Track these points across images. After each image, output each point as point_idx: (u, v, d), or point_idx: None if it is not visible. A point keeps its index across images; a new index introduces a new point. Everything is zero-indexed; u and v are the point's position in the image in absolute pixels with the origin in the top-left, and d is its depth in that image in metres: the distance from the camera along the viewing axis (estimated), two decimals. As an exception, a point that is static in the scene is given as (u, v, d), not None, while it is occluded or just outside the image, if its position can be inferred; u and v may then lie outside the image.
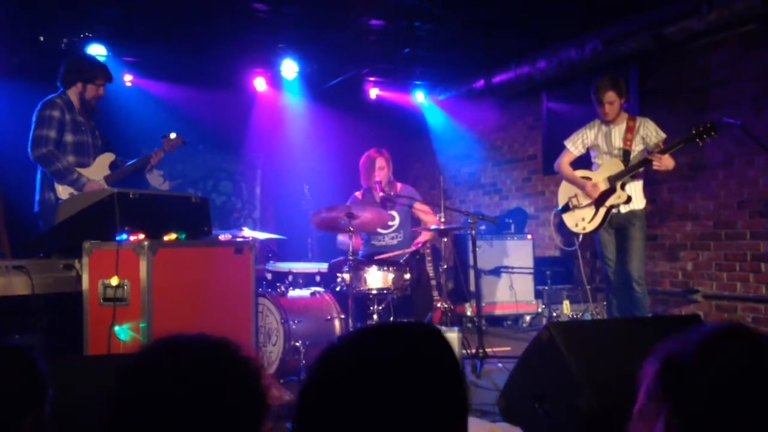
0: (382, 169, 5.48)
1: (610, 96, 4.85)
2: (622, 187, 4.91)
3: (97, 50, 6.44)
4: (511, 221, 7.56)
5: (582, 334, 2.93)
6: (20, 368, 1.44)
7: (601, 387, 2.73)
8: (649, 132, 4.94)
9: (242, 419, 1.24)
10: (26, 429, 1.39)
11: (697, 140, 4.60)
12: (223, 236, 4.41)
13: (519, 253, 7.10)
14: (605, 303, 5.94)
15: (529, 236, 7.25)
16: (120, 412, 1.22)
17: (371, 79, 8.21)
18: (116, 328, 3.25)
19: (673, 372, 1.17)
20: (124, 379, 1.25)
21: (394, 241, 5.59)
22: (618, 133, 4.97)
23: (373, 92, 8.36)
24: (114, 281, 3.26)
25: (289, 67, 7.34)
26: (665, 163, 4.74)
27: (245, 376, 1.28)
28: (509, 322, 7.09)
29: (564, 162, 5.21)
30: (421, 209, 5.61)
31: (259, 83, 7.75)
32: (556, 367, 2.85)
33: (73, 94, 4.57)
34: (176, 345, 1.30)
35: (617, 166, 4.93)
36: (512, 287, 6.98)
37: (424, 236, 5.48)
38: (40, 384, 1.48)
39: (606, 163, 4.98)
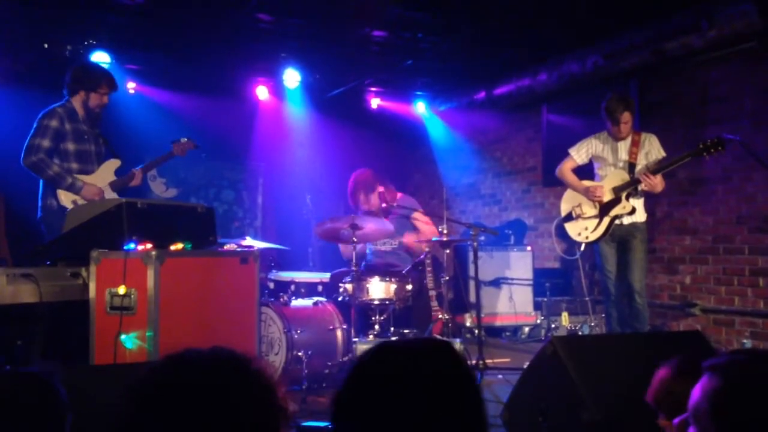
0: (365, 203, 5.54)
1: (626, 117, 4.94)
2: (627, 198, 4.97)
3: (100, 58, 6.46)
4: (510, 232, 7.60)
5: (585, 349, 2.97)
6: (41, 394, 1.46)
7: (604, 401, 2.76)
8: (653, 149, 5.03)
9: (259, 428, 1.25)
10: None
11: (704, 154, 4.67)
12: (228, 246, 4.44)
13: (518, 264, 7.13)
14: (603, 315, 5.98)
15: (529, 248, 7.28)
16: (132, 429, 1.22)
17: (373, 89, 8.24)
18: (123, 337, 3.27)
19: (720, 400, 1.22)
20: (136, 397, 1.25)
21: (387, 248, 5.61)
22: (624, 146, 5.06)
23: (375, 102, 8.39)
24: (121, 290, 3.29)
25: (292, 77, 7.37)
26: (654, 183, 4.81)
27: (260, 391, 1.28)
28: (508, 334, 7.12)
29: (566, 168, 5.26)
30: (421, 220, 5.64)
31: (261, 92, 7.77)
32: (559, 380, 2.87)
33: (76, 102, 4.60)
34: (188, 361, 1.30)
35: (622, 178, 4.99)
36: (511, 298, 7.01)
37: (410, 238, 5.50)
38: (60, 409, 1.49)
39: (611, 174, 5.05)
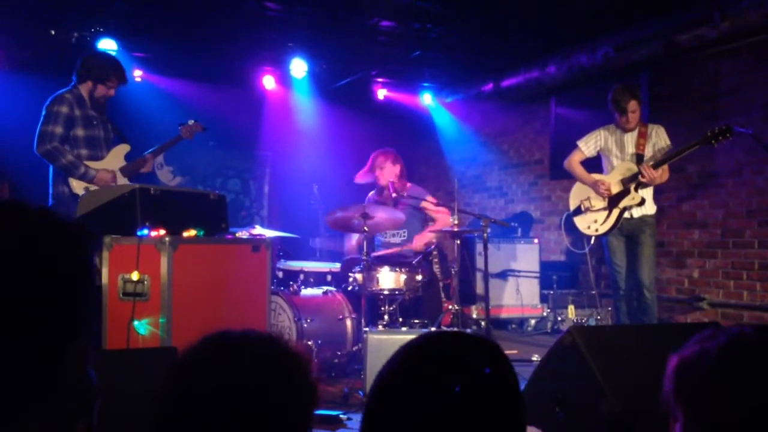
0: (381, 169, 5.50)
1: (633, 105, 4.91)
2: (636, 189, 4.95)
3: (107, 45, 6.43)
4: (516, 225, 7.58)
5: (605, 339, 2.94)
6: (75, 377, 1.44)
7: (623, 392, 2.74)
8: (660, 139, 5.00)
9: (295, 412, 1.24)
10: None
11: (712, 142, 4.65)
12: (240, 234, 4.42)
13: (525, 256, 7.11)
14: (610, 309, 5.97)
15: (536, 240, 7.26)
16: (175, 410, 1.21)
17: (380, 80, 8.21)
18: (135, 323, 3.25)
19: (685, 376, 1.18)
20: (179, 377, 1.25)
21: (397, 239, 5.59)
22: (631, 138, 5.03)
23: (381, 93, 8.37)
24: (134, 276, 3.26)
25: (299, 66, 7.34)
26: (653, 176, 4.79)
27: (297, 370, 1.29)
28: (514, 326, 7.10)
29: (574, 160, 5.24)
30: (434, 210, 5.59)
31: (268, 82, 7.74)
32: (578, 371, 2.85)
33: (83, 89, 4.56)
34: (229, 341, 1.30)
35: (630, 169, 4.97)
36: (518, 291, 7.00)
37: (426, 237, 5.46)
38: (91, 392, 1.47)
39: (620, 165, 5.03)
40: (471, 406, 1.13)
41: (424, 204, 5.49)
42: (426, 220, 5.68)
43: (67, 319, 1.01)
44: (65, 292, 0.99)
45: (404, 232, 5.60)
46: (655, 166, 4.85)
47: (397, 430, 1.15)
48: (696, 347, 1.20)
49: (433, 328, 4.55)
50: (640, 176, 4.86)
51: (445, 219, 5.54)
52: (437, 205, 5.58)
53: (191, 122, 4.78)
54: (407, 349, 1.24)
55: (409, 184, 5.67)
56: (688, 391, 1.15)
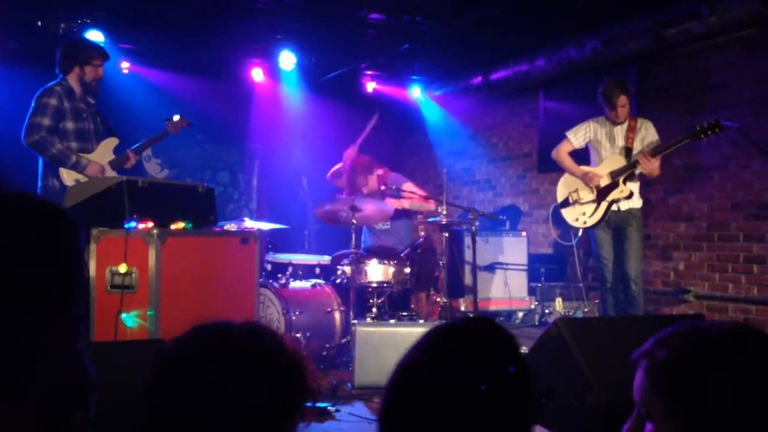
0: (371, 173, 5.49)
1: (623, 100, 4.94)
2: (624, 182, 4.98)
3: (94, 36, 6.38)
4: (505, 218, 7.61)
5: (590, 331, 2.97)
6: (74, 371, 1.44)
7: (609, 383, 2.77)
8: (648, 134, 5.04)
9: (282, 403, 1.25)
10: (76, 427, 1.40)
11: (702, 136, 4.69)
12: (228, 226, 4.42)
13: (513, 249, 7.14)
14: (597, 301, 6.00)
15: (524, 233, 7.29)
16: (162, 398, 1.22)
17: (369, 72, 8.20)
18: (123, 315, 3.25)
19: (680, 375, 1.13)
20: (166, 366, 1.25)
21: (381, 228, 5.59)
22: (621, 131, 5.06)
23: (370, 86, 8.35)
24: (122, 269, 3.26)
25: (287, 59, 7.32)
26: (653, 166, 4.83)
27: (285, 361, 1.29)
28: (501, 318, 7.13)
29: (563, 150, 5.26)
30: (409, 189, 5.53)
31: (257, 74, 7.72)
32: (564, 363, 2.88)
33: (72, 79, 4.54)
34: (220, 331, 1.30)
35: (620, 162, 5.00)
36: (506, 283, 7.02)
37: (400, 203, 5.41)
38: (89, 386, 1.48)
39: (609, 158, 5.06)
40: (490, 405, 1.12)
41: (403, 190, 5.43)
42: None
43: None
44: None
45: (387, 223, 5.58)
46: None
47: (415, 417, 1.14)
48: (677, 345, 1.15)
49: (421, 321, 4.57)
50: (638, 167, 4.88)
51: (419, 198, 5.48)
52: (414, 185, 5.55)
53: (176, 117, 4.78)
54: (433, 337, 1.22)
55: (391, 174, 5.67)
56: (689, 391, 1.12)
